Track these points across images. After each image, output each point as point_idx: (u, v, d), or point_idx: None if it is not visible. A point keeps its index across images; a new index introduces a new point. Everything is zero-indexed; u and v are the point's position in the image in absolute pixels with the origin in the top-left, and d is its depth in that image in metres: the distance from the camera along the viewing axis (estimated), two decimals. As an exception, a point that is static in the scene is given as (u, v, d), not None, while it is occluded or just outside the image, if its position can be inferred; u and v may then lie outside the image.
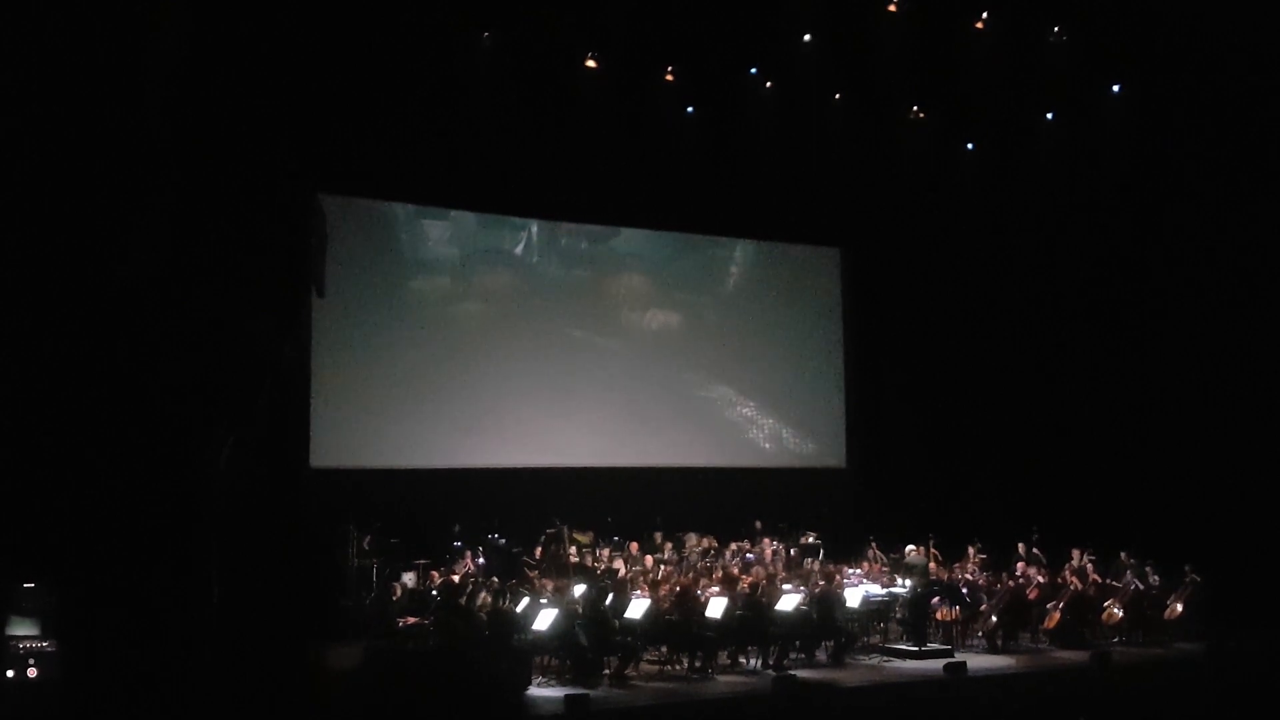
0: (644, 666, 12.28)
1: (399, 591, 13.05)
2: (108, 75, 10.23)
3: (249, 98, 10.61)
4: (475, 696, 10.29)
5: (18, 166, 10.08)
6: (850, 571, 14.46)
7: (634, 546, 15.07)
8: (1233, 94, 15.55)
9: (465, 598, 12.23)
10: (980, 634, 13.98)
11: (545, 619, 11.71)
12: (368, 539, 13.82)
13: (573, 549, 14.46)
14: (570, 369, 17.32)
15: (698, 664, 12.24)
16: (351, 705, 10.16)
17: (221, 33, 10.54)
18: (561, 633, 11.69)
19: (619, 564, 14.33)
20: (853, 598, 13.40)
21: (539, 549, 14.50)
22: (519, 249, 17.35)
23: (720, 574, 13.92)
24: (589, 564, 14.21)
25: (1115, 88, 16.32)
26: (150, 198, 10.43)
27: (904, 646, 13.39)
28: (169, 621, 9.97)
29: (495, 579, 13.26)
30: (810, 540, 15.91)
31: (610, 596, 12.39)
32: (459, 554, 14.12)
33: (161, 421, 10.28)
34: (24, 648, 9.31)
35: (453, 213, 16.90)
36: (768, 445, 18.64)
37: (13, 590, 9.54)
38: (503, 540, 14.59)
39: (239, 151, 10.60)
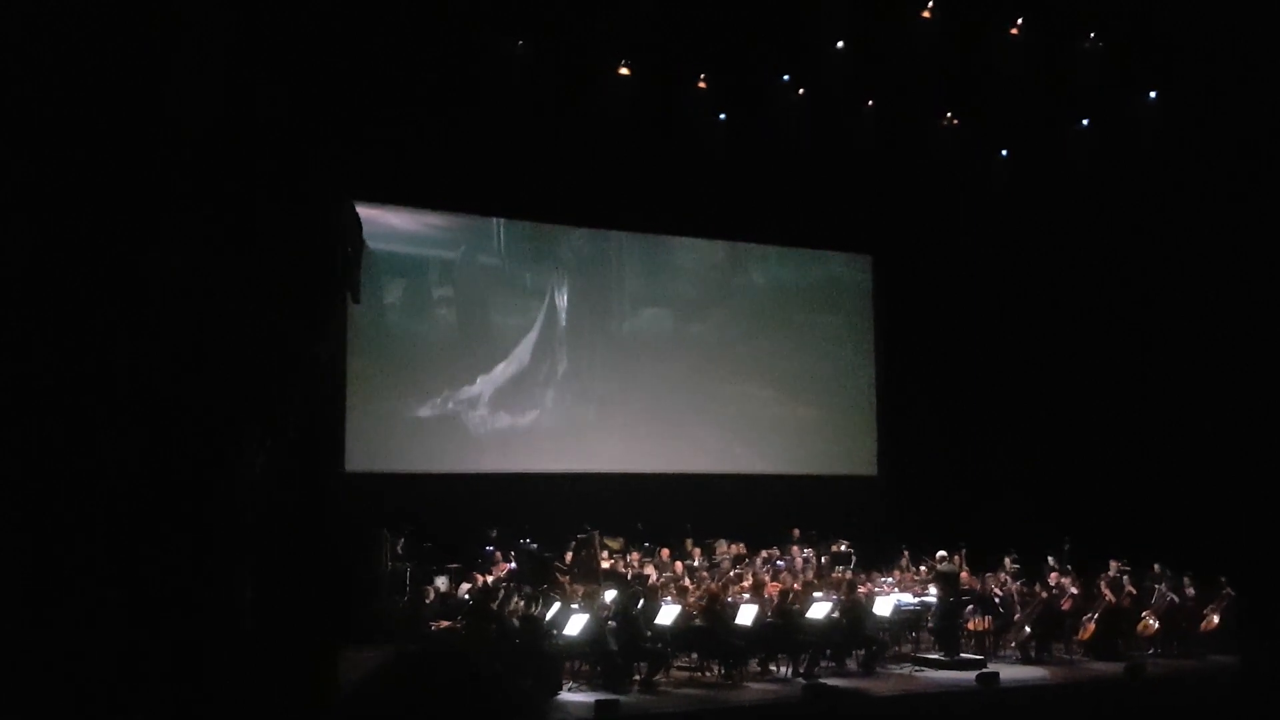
0: (674, 673, 12.29)
1: (431, 595, 13.12)
2: (140, 75, 10.33)
3: (285, 101, 10.69)
4: (503, 701, 10.32)
5: (49, 169, 10.20)
6: (882, 580, 14.41)
7: (665, 553, 15.07)
8: (1269, 102, 15.38)
9: (497, 602, 12.28)
10: (1013, 644, 13.89)
11: (576, 624, 11.74)
12: (400, 543, 13.92)
13: (604, 554, 14.49)
14: (603, 375, 17.37)
15: (727, 671, 12.24)
16: (379, 708, 10.20)
17: (258, 35, 10.62)
18: (592, 638, 11.72)
19: (650, 570, 14.33)
20: (884, 606, 13.35)
21: (570, 554, 14.53)
22: (552, 254, 17.41)
23: (751, 581, 13.92)
24: (620, 570, 14.24)
25: (1151, 95, 16.19)
26: (185, 199, 10.52)
27: (936, 656, 13.32)
28: (200, 624, 10.04)
29: (528, 586, 13.29)
30: (842, 548, 15.87)
31: (641, 602, 12.41)
32: (492, 558, 14.18)
33: (195, 425, 10.36)
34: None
35: (486, 219, 16.99)
36: (799, 453, 18.59)
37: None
38: (534, 545, 14.64)
39: (274, 155, 10.68)
